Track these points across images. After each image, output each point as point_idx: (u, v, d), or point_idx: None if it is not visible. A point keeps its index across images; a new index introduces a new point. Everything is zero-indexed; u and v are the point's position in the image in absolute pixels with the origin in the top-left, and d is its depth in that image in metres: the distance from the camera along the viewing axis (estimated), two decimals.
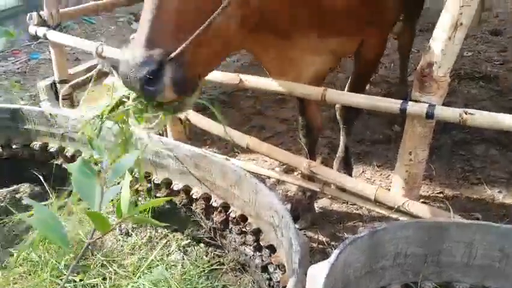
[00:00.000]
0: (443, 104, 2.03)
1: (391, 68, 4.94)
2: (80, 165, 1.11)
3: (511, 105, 4.10)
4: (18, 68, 5.17)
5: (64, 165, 2.71)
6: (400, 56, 4.18)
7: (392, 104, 2.05)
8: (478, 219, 2.84)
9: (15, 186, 2.79)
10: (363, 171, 3.38)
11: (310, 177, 2.52)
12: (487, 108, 4.05)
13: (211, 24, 1.61)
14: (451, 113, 1.95)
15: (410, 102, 2.00)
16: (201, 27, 1.60)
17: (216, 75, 2.41)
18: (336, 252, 1.53)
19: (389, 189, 2.27)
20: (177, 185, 2.39)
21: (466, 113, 1.92)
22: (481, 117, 1.93)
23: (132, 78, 1.53)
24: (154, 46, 1.52)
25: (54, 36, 2.91)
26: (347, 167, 3.07)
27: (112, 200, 1.52)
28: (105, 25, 6.38)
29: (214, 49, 1.71)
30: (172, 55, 1.54)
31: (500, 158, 3.46)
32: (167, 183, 2.43)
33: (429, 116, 1.96)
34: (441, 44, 1.91)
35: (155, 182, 2.44)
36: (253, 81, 2.33)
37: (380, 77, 4.72)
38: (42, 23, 2.92)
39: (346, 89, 2.75)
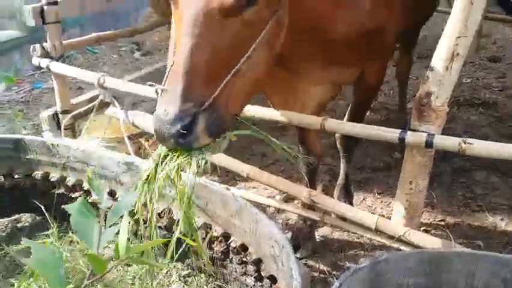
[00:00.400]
0: (443, 131, 2.05)
1: (390, 95, 4.98)
2: (79, 206, 1.12)
3: (510, 131, 4.12)
4: (21, 98, 5.22)
5: (65, 194, 2.72)
6: (398, 83, 4.23)
7: (391, 134, 2.06)
8: (479, 246, 2.83)
9: (16, 216, 2.79)
10: (364, 199, 3.38)
11: (311, 206, 2.52)
12: (486, 135, 4.09)
13: (241, 66, 1.64)
14: (450, 143, 1.97)
15: (408, 132, 2.01)
16: (231, 72, 1.62)
17: None
18: (336, 284, 1.53)
19: (390, 217, 2.27)
20: (178, 214, 2.39)
21: (464, 143, 1.93)
22: (480, 147, 1.94)
23: (166, 134, 1.53)
24: (186, 99, 1.52)
25: (57, 67, 2.96)
26: (347, 195, 3.07)
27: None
28: (108, 54, 6.46)
29: (246, 89, 1.72)
30: (205, 105, 1.55)
31: (501, 185, 3.46)
32: (168, 212, 2.43)
33: (429, 145, 1.98)
34: (439, 74, 1.94)
35: (156, 211, 2.44)
36: (252, 110, 2.35)
37: (380, 104, 4.76)
38: (46, 54, 2.97)
39: (346, 116, 2.77)
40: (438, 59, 1.92)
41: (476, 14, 1.86)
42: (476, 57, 5.83)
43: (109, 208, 1.21)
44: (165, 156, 1.71)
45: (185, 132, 1.52)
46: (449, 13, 1.90)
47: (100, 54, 6.47)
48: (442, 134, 2.03)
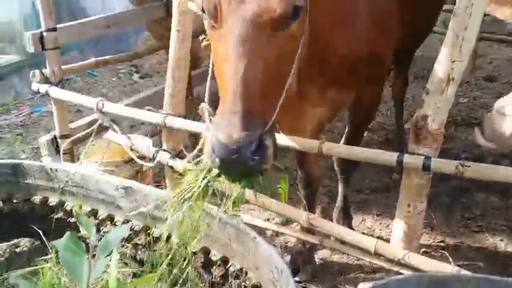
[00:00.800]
0: (441, 151, 2.06)
1: (388, 115, 5.00)
2: (66, 242, 1.10)
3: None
4: (21, 121, 5.24)
5: (63, 218, 2.71)
6: (395, 104, 4.27)
7: (389, 157, 2.07)
8: (480, 268, 2.82)
9: (15, 241, 2.77)
10: (363, 220, 3.37)
11: (310, 229, 2.51)
12: (485, 155, 4.09)
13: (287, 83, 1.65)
14: (447, 165, 1.98)
15: (406, 155, 2.02)
16: (285, 89, 1.62)
17: None
18: None
19: (390, 239, 2.26)
20: (176, 238, 2.38)
21: (462, 166, 1.94)
22: (477, 170, 1.95)
23: (234, 161, 1.47)
24: (250, 121, 1.48)
25: (56, 93, 2.98)
26: (346, 217, 3.07)
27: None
28: (107, 77, 6.49)
29: (286, 105, 1.70)
30: (268, 125, 1.52)
31: (500, 206, 3.46)
32: (167, 236, 2.42)
33: (426, 168, 1.99)
34: (435, 97, 1.96)
35: (154, 235, 2.44)
36: None
37: (378, 124, 4.77)
38: (45, 80, 3.00)
39: (343, 139, 2.79)
40: (434, 83, 1.94)
41: (471, 39, 1.88)
42: (472, 77, 5.87)
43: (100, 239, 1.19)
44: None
45: (256, 156, 1.48)
46: (445, 34, 1.92)
47: (99, 77, 6.50)
48: (440, 153, 2.04)
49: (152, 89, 4.29)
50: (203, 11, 1.64)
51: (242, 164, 1.48)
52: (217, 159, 1.50)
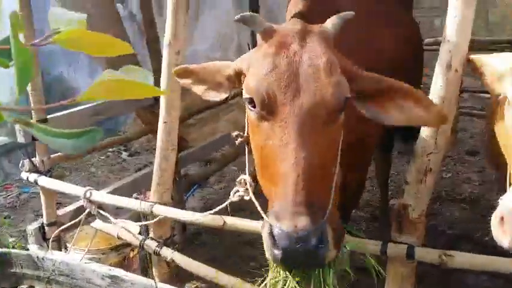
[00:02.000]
0: (427, 228, 2.08)
1: (374, 191, 5.06)
2: None
3: None
4: (9, 203, 5.24)
5: None
6: (379, 182, 4.33)
7: (373, 246, 2.10)
8: None
9: None
10: None
11: None
12: (471, 231, 4.13)
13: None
14: (431, 255, 2.01)
15: (389, 244, 2.05)
16: (335, 174, 1.65)
17: (196, 218, 2.48)
18: None
19: None
20: None
21: (445, 255, 1.97)
22: (461, 260, 1.98)
23: (299, 251, 1.44)
24: (313, 210, 1.47)
25: (45, 182, 3.02)
26: None
27: None
28: (95, 156, 6.54)
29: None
30: (327, 213, 1.51)
31: (490, 285, 3.44)
32: None
33: (410, 256, 2.02)
34: (414, 187, 2.02)
35: None
36: (238, 223, 2.39)
37: (364, 201, 4.82)
38: (34, 169, 3.04)
39: None
40: (412, 174, 2.01)
41: (445, 130, 1.97)
42: (454, 151, 6.01)
43: None
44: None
45: (321, 246, 1.45)
46: None
47: (87, 156, 6.54)
48: (427, 231, 2.08)
49: (140, 172, 4.33)
50: (250, 101, 1.64)
51: (309, 253, 1.44)
52: (279, 252, 1.46)
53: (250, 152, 1.91)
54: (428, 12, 8.38)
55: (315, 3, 2.17)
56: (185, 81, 1.98)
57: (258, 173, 1.72)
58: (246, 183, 2.01)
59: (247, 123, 1.82)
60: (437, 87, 1.92)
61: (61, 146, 0.76)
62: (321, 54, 1.63)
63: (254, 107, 1.62)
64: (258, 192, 2.08)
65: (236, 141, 2.01)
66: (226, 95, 1.94)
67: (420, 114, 1.75)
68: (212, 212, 2.35)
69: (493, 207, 3.78)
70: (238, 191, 2.05)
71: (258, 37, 1.74)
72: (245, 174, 2.04)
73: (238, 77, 1.83)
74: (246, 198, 2.02)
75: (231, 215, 2.43)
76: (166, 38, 2.47)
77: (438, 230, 4.13)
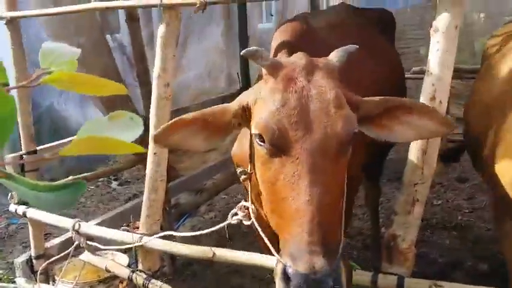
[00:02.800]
0: (418, 255, 2.08)
1: (364, 219, 5.06)
2: None
3: (486, 254, 4.17)
4: None
5: None
6: (369, 211, 4.34)
7: (363, 277, 2.09)
8: None
9: None
10: None
11: None
12: (462, 259, 4.13)
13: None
14: (421, 285, 2.00)
15: (380, 275, 2.05)
16: (343, 208, 1.67)
17: (185, 250, 2.47)
18: None
19: None
20: None
21: (435, 286, 1.97)
22: None
23: None
24: (329, 248, 1.45)
25: (33, 214, 3.00)
26: None
27: None
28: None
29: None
30: (340, 250, 1.50)
31: None
32: None
33: (400, 287, 2.01)
34: (402, 218, 2.03)
35: None
36: (228, 255, 2.38)
37: (355, 230, 4.81)
38: (23, 201, 3.02)
39: None
40: (400, 205, 2.03)
41: (431, 162, 2.00)
42: (444, 177, 6.04)
43: None
44: None
45: (337, 286, 1.42)
46: None
47: None
48: (418, 259, 2.08)
49: (130, 202, 4.31)
50: (260, 137, 1.61)
51: None
52: None
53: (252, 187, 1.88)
54: (414, 42, 8.54)
55: (302, 37, 2.22)
56: (174, 140, 1.83)
57: (267, 207, 1.70)
58: (246, 208, 1.98)
59: (253, 158, 1.78)
60: None
61: (42, 201, 0.75)
62: (329, 89, 1.64)
63: (263, 142, 1.60)
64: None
65: (240, 178, 1.94)
66: (233, 136, 1.88)
67: (428, 125, 1.77)
68: (209, 230, 2.30)
69: (483, 234, 3.82)
70: (236, 214, 2.02)
71: (264, 71, 1.72)
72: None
73: (245, 112, 1.79)
74: (246, 223, 1.99)
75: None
76: (155, 71, 2.50)
77: (429, 258, 4.12)
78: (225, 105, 1.85)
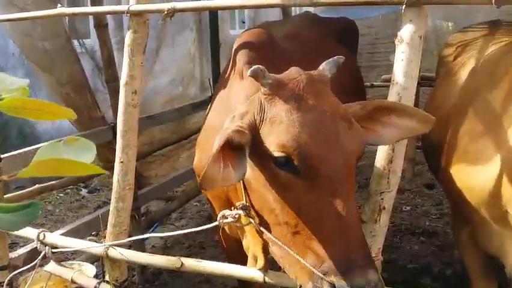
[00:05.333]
0: (387, 262, 2.10)
1: None
2: None
3: (452, 260, 4.23)
4: None
5: None
6: None
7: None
8: None
9: None
10: None
11: None
12: (430, 265, 4.19)
13: None
14: None
15: None
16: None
17: (152, 260, 2.43)
18: None
19: None
20: None
21: None
22: None
23: None
24: (370, 259, 1.51)
25: None
26: None
27: None
28: (53, 193, 6.37)
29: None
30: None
31: None
32: None
33: None
34: (370, 226, 2.04)
35: None
36: (196, 265, 2.35)
37: None
38: None
39: None
40: (367, 213, 2.04)
41: (397, 171, 2.02)
42: (413, 184, 6.15)
43: None
44: None
45: None
46: None
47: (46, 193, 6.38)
48: (387, 265, 2.09)
49: (98, 210, 4.24)
50: (281, 161, 1.59)
51: None
52: None
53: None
54: (384, 55, 8.66)
55: (261, 46, 2.25)
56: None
57: (286, 232, 1.64)
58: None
59: (261, 185, 1.71)
60: None
61: None
62: (337, 104, 1.68)
63: (285, 165, 1.58)
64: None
65: (242, 215, 1.83)
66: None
67: (409, 124, 1.82)
68: (200, 228, 2.20)
69: (451, 240, 3.89)
70: (226, 217, 1.88)
71: (264, 90, 1.67)
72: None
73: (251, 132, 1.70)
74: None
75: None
76: (122, 78, 2.47)
77: (399, 265, 4.16)
78: (235, 129, 1.67)
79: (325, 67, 1.78)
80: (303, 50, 2.71)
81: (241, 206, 1.85)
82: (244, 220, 1.89)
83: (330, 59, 1.80)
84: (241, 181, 1.79)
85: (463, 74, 2.77)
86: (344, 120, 1.64)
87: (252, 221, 1.84)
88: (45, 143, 0.82)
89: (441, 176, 2.56)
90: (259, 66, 1.65)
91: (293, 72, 1.73)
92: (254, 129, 1.68)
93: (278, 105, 1.64)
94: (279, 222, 1.67)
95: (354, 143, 1.63)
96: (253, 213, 1.84)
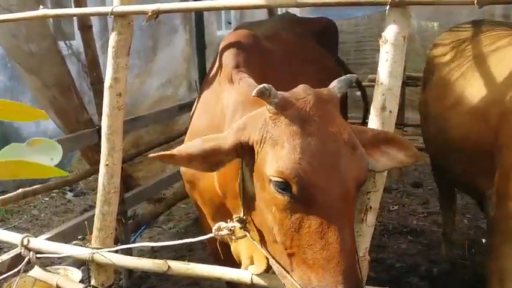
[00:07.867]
0: (375, 261, 2.10)
1: None
2: None
3: (439, 258, 4.26)
4: None
5: None
6: None
7: None
8: None
9: None
10: None
11: None
12: (418, 264, 4.21)
13: None
14: None
15: None
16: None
17: (139, 264, 2.42)
18: None
19: None
20: None
21: None
22: None
23: None
24: (357, 276, 1.56)
25: None
26: None
27: None
28: (38, 197, 6.29)
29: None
30: None
31: None
32: None
33: None
34: (357, 226, 2.04)
35: None
36: (183, 268, 2.33)
37: None
38: None
39: None
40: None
41: (383, 172, 2.02)
42: (400, 183, 6.18)
43: None
44: None
45: None
46: None
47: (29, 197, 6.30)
48: (375, 264, 2.09)
49: (83, 214, 4.20)
50: (280, 185, 1.57)
51: None
52: None
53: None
54: (371, 53, 8.71)
55: (247, 46, 2.25)
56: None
57: (281, 249, 1.66)
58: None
59: (256, 201, 1.75)
60: (374, 128, 1.98)
61: None
62: (343, 128, 1.64)
63: (284, 190, 1.56)
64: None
65: (238, 228, 1.86)
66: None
67: (403, 158, 1.88)
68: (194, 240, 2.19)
69: (438, 238, 3.92)
70: (221, 229, 1.91)
71: (270, 108, 1.64)
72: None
73: (242, 149, 1.72)
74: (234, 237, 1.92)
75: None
76: (106, 81, 2.44)
77: (386, 264, 4.17)
78: (217, 143, 1.74)
79: (336, 86, 1.75)
80: (283, 51, 2.71)
81: (237, 218, 1.86)
82: (239, 233, 1.90)
83: (342, 78, 1.77)
84: (241, 191, 1.82)
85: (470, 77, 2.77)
86: (348, 145, 1.62)
87: (248, 235, 1.85)
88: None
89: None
90: (265, 85, 1.61)
91: (301, 91, 1.68)
92: (247, 146, 1.70)
93: (282, 127, 1.61)
94: (276, 240, 1.67)
95: (356, 169, 1.61)
96: (249, 226, 1.85)
